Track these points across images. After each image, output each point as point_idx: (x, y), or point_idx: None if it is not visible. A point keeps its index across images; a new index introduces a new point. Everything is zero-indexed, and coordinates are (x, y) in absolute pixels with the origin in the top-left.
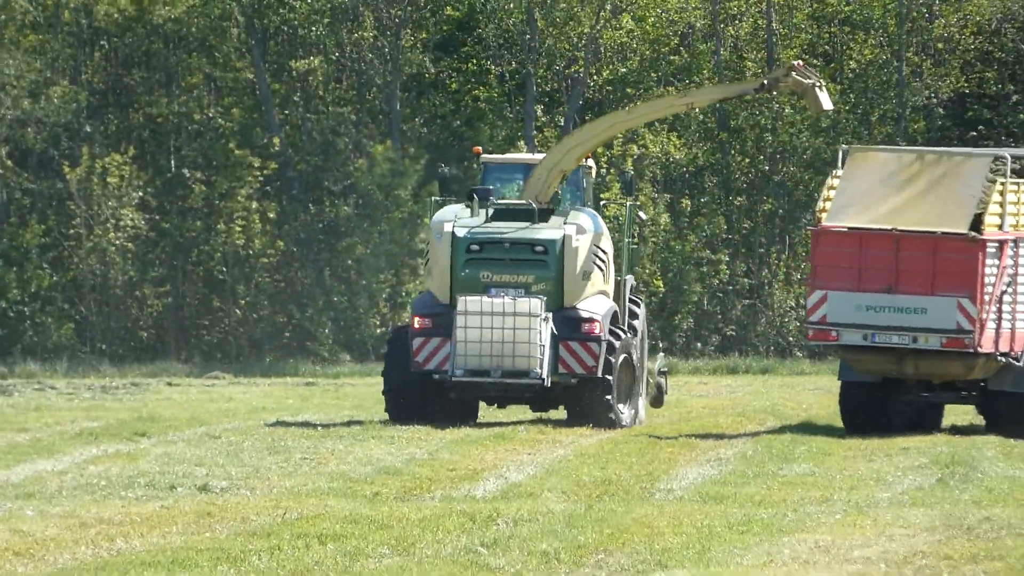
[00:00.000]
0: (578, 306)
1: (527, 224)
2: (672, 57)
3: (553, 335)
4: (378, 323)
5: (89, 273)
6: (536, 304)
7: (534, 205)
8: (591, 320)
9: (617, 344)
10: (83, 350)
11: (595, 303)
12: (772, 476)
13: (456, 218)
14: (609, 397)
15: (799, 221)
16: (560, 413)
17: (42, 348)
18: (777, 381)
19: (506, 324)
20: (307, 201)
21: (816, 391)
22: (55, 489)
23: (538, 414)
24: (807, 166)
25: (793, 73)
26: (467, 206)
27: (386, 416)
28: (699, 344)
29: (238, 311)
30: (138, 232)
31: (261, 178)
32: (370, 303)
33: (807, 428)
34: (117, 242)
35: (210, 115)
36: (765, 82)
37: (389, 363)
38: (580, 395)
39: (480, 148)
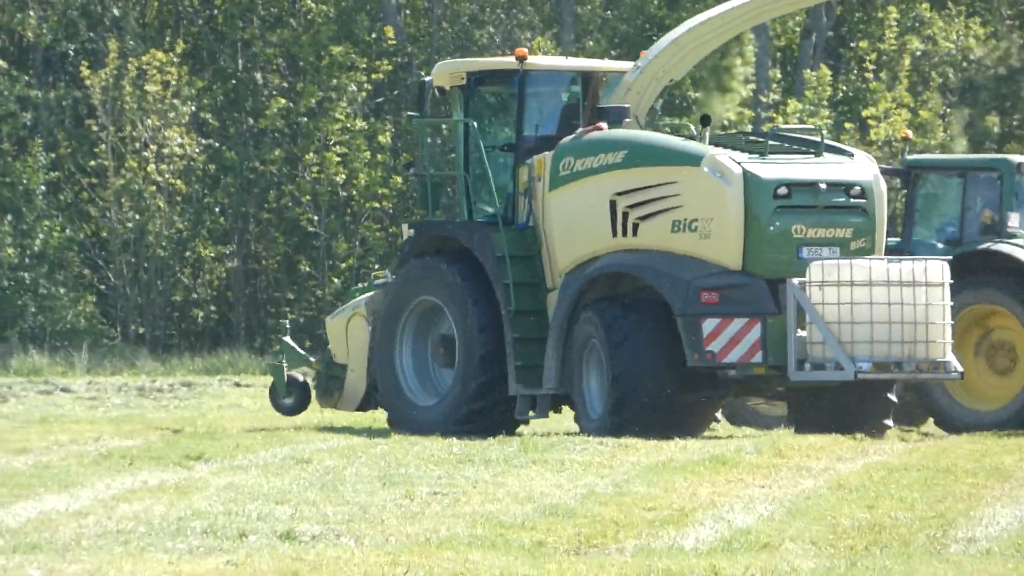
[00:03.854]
0: None
1: (815, 159)
2: None
3: None
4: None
5: (119, 224)
6: (946, 270)
7: (823, 133)
8: None
9: None
10: (111, 335)
11: None
12: None
13: (729, 152)
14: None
15: None
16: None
17: (51, 332)
18: None
19: (917, 299)
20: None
21: None
22: (71, 538)
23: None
24: None
25: None
26: (690, 134)
27: (554, 429)
28: None
29: (336, 279)
30: (191, 165)
31: (369, 86)
32: None
33: None
34: (160, 179)
35: None
36: None
37: (635, 353)
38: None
39: (525, 51)
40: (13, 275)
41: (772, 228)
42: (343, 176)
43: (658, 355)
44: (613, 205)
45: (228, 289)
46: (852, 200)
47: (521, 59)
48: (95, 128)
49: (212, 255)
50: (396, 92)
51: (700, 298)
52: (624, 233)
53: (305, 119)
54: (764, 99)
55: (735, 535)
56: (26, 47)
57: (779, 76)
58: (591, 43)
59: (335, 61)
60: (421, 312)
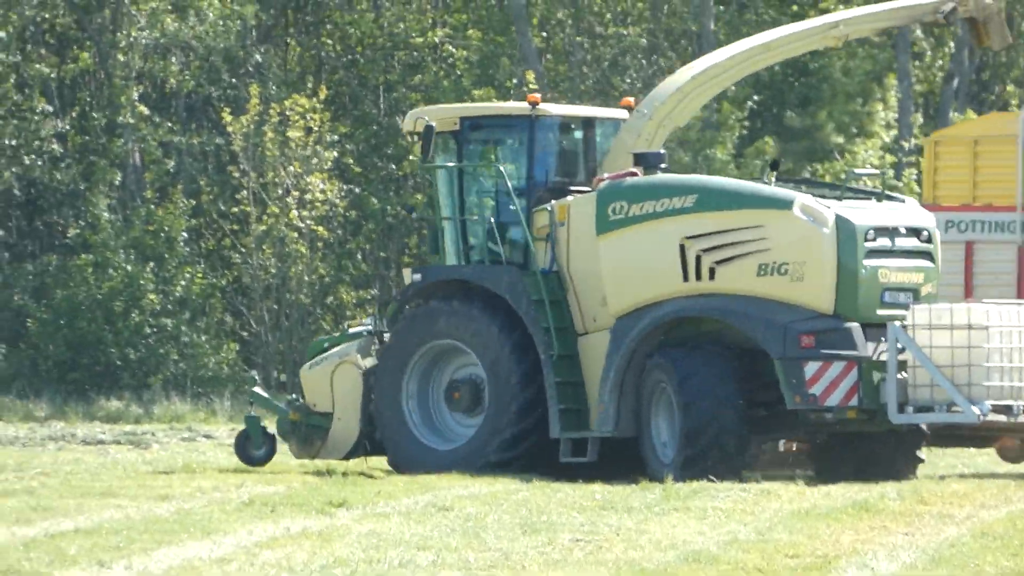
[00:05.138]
0: None
1: (879, 204)
2: None
3: None
4: None
5: (260, 270)
6: None
7: (884, 178)
8: None
9: None
10: (253, 382)
11: None
12: None
13: (816, 198)
14: None
15: None
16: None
17: (193, 379)
18: None
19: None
20: None
21: None
22: None
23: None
24: None
25: None
26: (768, 179)
27: (691, 475)
28: None
29: None
30: (332, 211)
31: None
32: None
33: None
34: (302, 225)
35: (437, 40)
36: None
37: (708, 396)
38: None
39: (538, 97)
40: (155, 322)
41: (863, 272)
42: None
43: (732, 398)
44: (683, 249)
45: None
46: (922, 245)
47: (534, 104)
48: (237, 174)
49: (354, 301)
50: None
51: (800, 341)
52: (698, 277)
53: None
54: (906, 144)
55: None
56: (169, 93)
57: (921, 121)
58: (732, 88)
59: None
60: (432, 356)
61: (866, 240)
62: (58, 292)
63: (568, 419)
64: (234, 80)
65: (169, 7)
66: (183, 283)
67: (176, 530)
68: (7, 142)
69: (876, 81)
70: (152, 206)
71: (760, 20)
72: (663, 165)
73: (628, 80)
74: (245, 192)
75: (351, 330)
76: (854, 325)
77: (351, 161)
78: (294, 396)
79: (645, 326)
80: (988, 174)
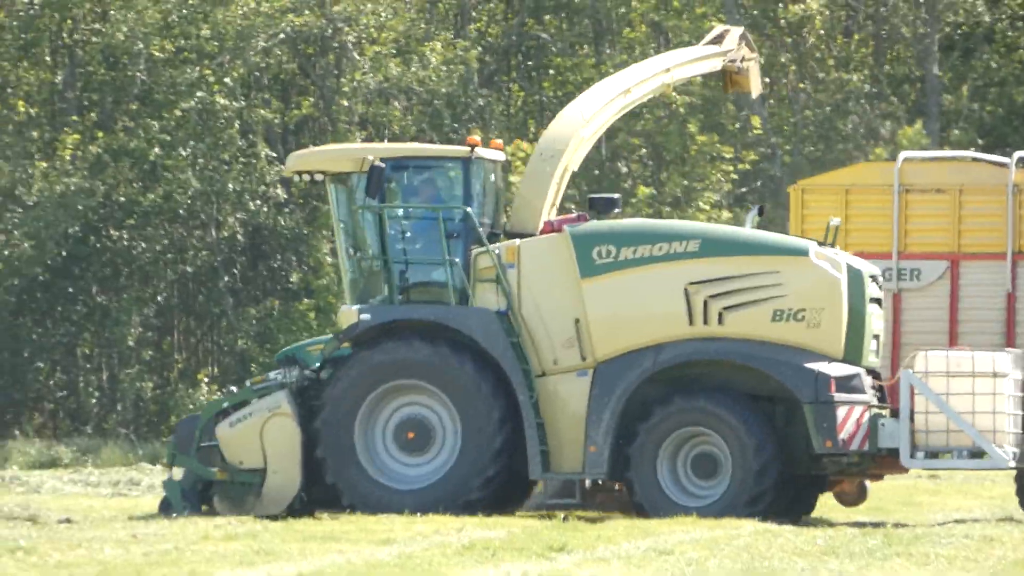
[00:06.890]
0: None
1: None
2: None
3: None
4: None
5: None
6: None
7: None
8: None
9: None
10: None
11: None
12: None
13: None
14: None
15: None
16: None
17: None
18: None
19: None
20: None
21: None
22: None
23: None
24: None
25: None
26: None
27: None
28: None
29: None
30: None
31: (735, 176)
32: None
33: None
34: None
35: None
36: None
37: (768, 438)
38: None
39: (478, 139)
40: None
41: (865, 318)
42: None
43: (782, 442)
44: (687, 293)
45: None
46: (879, 292)
47: (473, 147)
48: None
49: None
50: (759, 183)
51: (831, 386)
52: (705, 321)
53: (668, 209)
54: None
55: None
56: (392, 137)
57: None
58: (956, 132)
59: (700, 149)
60: (380, 398)
61: (870, 287)
62: (281, 337)
63: (548, 460)
64: (456, 125)
65: (393, 51)
66: None
67: (396, 574)
68: (232, 187)
69: None
70: None
71: (985, 65)
72: (617, 210)
73: (851, 125)
74: None
75: (255, 386)
76: (861, 370)
77: (572, 206)
78: (211, 443)
79: (647, 369)
80: (861, 222)
